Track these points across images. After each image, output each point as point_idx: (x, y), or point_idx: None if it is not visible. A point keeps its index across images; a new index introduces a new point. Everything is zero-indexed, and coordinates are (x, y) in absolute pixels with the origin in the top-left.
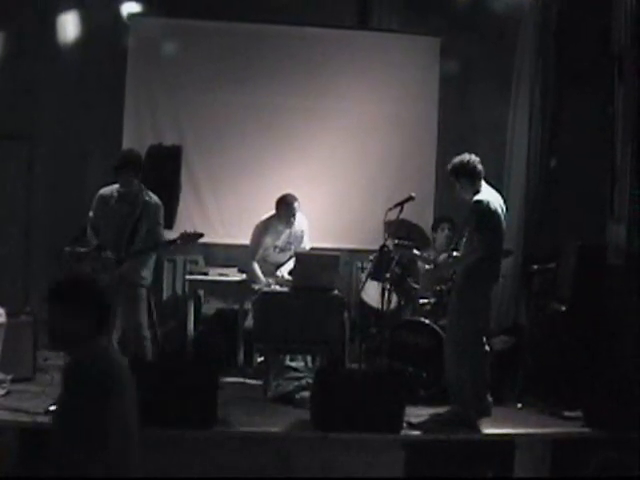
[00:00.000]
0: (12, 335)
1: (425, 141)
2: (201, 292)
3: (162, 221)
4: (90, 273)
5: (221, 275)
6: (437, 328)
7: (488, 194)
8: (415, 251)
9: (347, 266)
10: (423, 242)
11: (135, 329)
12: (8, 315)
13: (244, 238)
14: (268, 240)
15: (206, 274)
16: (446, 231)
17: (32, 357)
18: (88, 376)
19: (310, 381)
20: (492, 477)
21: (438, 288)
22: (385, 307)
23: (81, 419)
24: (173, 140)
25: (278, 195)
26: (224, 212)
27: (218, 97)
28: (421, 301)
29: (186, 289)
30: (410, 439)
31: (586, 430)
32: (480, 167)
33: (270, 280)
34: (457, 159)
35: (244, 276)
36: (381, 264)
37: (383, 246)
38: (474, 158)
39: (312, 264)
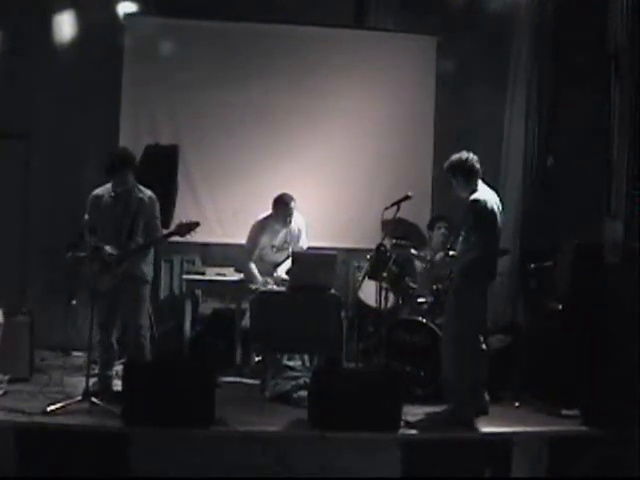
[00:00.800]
0: (9, 335)
1: (422, 140)
2: (198, 292)
3: (159, 214)
4: (91, 275)
5: (218, 275)
6: (434, 327)
7: (485, 193)
8: (412, 250)
9: (344, 265)
10: (420, 241)
11: (136, 330)
12: (5, 315)
13: (241, 238)
14: (265, 240)
15: (203, 274)
16: (442, 230)
17: (29, 357)
18: None
19: (307, 380)
20: (490, 477)
21: (435, 287)
22: (382, 306)
23: None
24: (170, 139)
25: (275, 194)
26: (221, 211)
27: (215, 96)
28: (418, 300)
29: (183, 289)
30: (407, 438)
31: (583, 428)
32: (478, 166)
33: (267, 279)
34: (455, 156)
35: (241, 276)
36: (378, 263)
37: (380, 245)
38: (472, 156)
39: (309, 263)
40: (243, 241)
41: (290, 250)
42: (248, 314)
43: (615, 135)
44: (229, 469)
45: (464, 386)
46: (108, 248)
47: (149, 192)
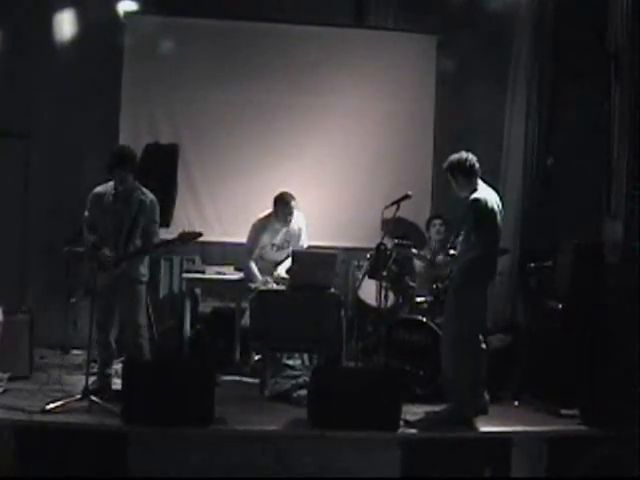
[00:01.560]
0: (9, 333)
1: (421, 139)
2: (198, 290)
3: (158, 219)
4: (88, 273)
5: (218, 273)
6: (434, 326)
7: (485, 192)
8: (413, 250)
9: (344, 264)
10: (420, 240)
11: (134, 329)
12: (5, 313)
13: (241, 236)
14: (265, 238)
15: (203, 272)
16: (437, 227)
17: (29, 355)
18: None
19: (307, 379)
20: (490, 476)
21: (435, 286)
22: (382, 305)
23: None
24: (169, 138)
25: (275, 193)
26: (221, 210)
27: (214, 95)
28: (418, 299)
29: (183, 287)
30: (407, 437)
31: (583, 428)
32: (477, 165)
33: (267, 279)
34: (455, 156)
35: (241, 275)
36: (378, 262)
37: (380, 244)
38: (471, 156)
39: (309, 262)
40: (243, 240)
41: (290, 249)
42: (248, 313)
43: (615, 135)
44: (228, 468)
45: (464, 385)
46: (106, 251)
47: (151, 195)
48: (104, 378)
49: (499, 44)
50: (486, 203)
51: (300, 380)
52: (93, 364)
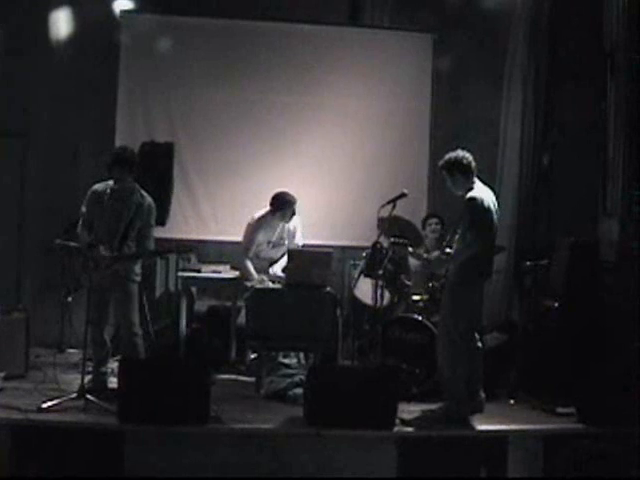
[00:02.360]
0: (5, 332)
1: (418, 138)
2: (194, 289)
3: (154, 222)
4: (81, 270)
5: (214, 272)
6: (430, 325)
7: (481, 191)
8: (409, 248)
9: (340, 263)
10: (416, 239)
11: (128, 327)
12: (0, 312)
13: (237, 235)
14: (261, 237)
15: (199, 271)
16: (432, 226)
17: (25, 354)
18: None
19: (303, 378)
20: (486, 477)
21: (431, 285)
22: (378, 304)
23: None
24: (166, 137)
25: (271, 191)
26: (217, 209)
27: (210, 94)
28: (414, 298)
29: (179, 286)
30: (403, 436)
31: (579, 426)
32: (474, 164)
33: (263, 277)
34: (452, 155)
35: (237, 273)
36: (374, 261)
37: (376, 243)
38: (468, 155)
39: (305, 261)
40: (239, 238)
41: (286, 247)
42: (244, 312)
43: (611, 133)
44: (225, 467)
45: (460, 384)
46: (102, 249)
47: (149, 199)
48: (100, 377)
49: (495, 42)
50: (482, 202)
51: (296, 379)
52: (89, 363)
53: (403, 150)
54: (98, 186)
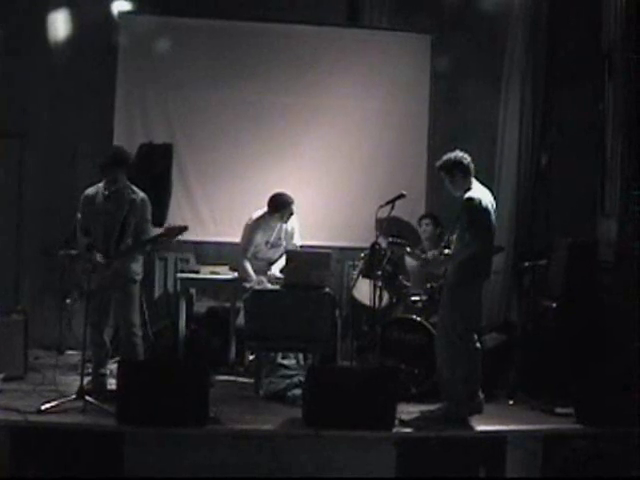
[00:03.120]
0: (3, 334)
1: (416, 138)
2: (193, 290)
3: (149, 217)
4: (82, 274)
5: (212, 273)
6: (428, 325)
7: (479, 191)
8: (407, 249)
9: (338, 264)
10: (414, 240)
11: (128, 327)
12: None
13: (235, 236)
14: (259, 237)
15: (197, 272)
16: (424, 226)
17: (23, 356)
18: None
19: (302, 379)
20: (485, 477)
21: (429, 285)
22: (377, 304)
23: None
24: (164, 138)
25: (269, 192)
26: (215, 210)
27: (209, 95)
28: (412, 298)
29: (178, 287)
30: (402, 436)
31: (578, 426)
32: (472, 164)
33: (262, 278)
34: (451, 155)
35: (235, 274)
36: (373, 262)
37: (374, 244)
38: (467, 155)
39: (303, 262)
40: (237, 239)
41: (284, 247)
42: (242, 313)
43: (609, 133)
44: (224, 467)
45: (458, 384)
46: (98, 257)
47: (142, 194)
48: (99, 378)
49: (493, 43)
50: (480, 202)
51: (295, 379)
52: (88, 364)
53: (401, 151)
54: (89, 190)
